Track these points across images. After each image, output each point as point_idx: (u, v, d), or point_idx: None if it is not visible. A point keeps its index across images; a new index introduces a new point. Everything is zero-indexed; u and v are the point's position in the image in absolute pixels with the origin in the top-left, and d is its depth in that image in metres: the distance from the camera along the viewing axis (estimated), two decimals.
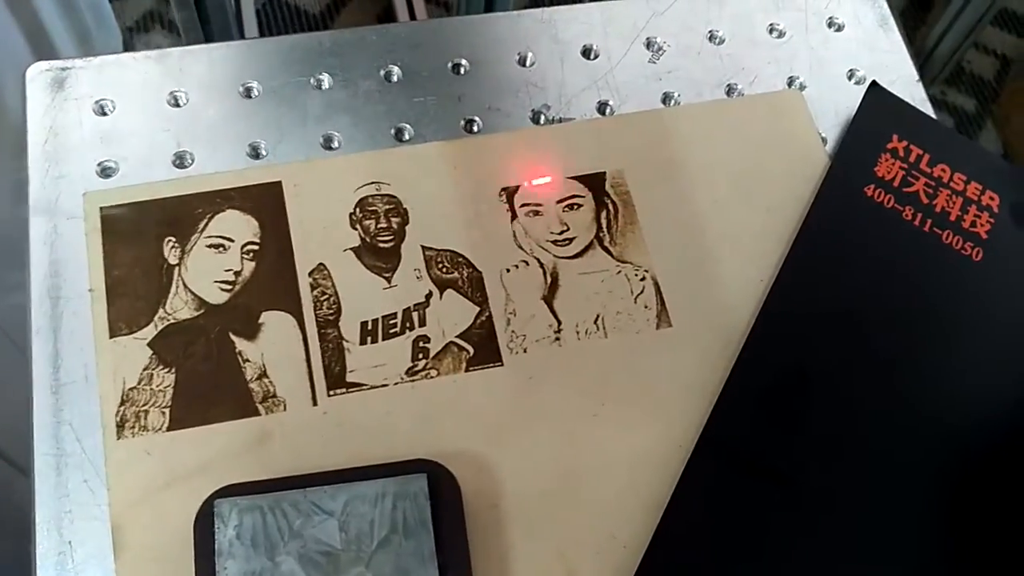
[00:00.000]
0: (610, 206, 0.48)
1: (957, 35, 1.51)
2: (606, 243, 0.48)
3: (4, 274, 0.80)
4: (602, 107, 0.51)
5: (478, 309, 0.46)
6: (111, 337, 0.43)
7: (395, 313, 0.45)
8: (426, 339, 0.45)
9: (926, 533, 0.44)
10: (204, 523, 0.38)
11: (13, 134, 0.84)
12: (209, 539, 0.38)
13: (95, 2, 1.15)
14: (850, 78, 0.54)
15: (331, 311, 0.45)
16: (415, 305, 0.45)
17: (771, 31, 0.54)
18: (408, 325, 0.45)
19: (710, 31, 0.54)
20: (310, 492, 0.39)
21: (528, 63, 0.52)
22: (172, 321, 0.44)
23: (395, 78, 0.51)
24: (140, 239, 0.45)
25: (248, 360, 0.43)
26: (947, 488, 0.44)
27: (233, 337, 0.44)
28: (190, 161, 0.47)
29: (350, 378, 0.44)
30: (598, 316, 0.46)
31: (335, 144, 0.49)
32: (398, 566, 0.38)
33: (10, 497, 0.82)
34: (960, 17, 1.48)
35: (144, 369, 0.43)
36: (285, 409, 0.43)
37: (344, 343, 0.44)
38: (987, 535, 0.44)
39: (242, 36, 1.29)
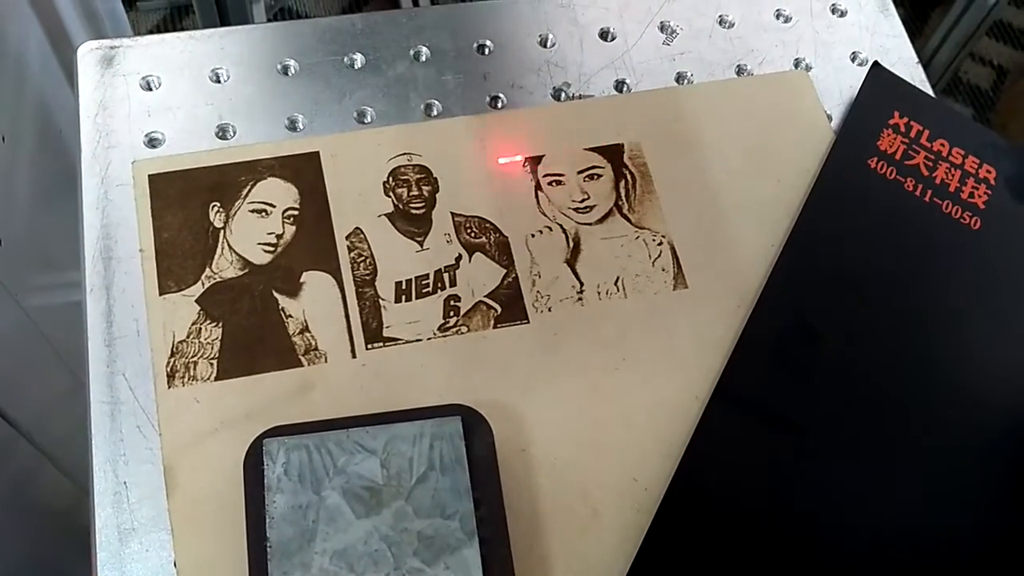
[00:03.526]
0: (628, 176, 0.51)
1: (953, 46, 1.54)
2: (625, 211, 0.51)
3: (32, 276, 0.83)
4: (619, 85, 0.54)
5: (505, 271, 0.48)
6: (161, 294, 0.46)
7: (427, 274, 0.48)
8: (456, 298, 0.47)
9: (926, 476, 0.46)
10: (254, 461, 0.41)
11: (36, 136, 0.87)
12: (259, 476, 0.41)
13: (113, 10, 1.19)
14: (853, 60, 0.57)
15: (367, 272, 0.47)
16: (446, 267, 0.48)
17: (778, 16, 0.58)
18: (440, 285, 0.48)
19: (720, 16, 0.57)
20: (353, 432, 0.41)
21: (549, 44, 0.55)
22: (218, 280, 0.46)
23: (424, 58, 0.53)
24: (186, 204, 0.48)
25: (291, 316, 0.46)
26: (946, 435, 0.47)
27: (276, 295, 0.46)
28: (232, 133, 0.50)
29: (386, 333, 0.46)
30: (618, 278, 0.49)
31: (368, 119, 0.51)
32: (436, 500, 0.40)
33: (44, 489, 0.84)
34: (956, 28, 1.51)
35: (192, 324, 0.45)
36: (326, 361, 0.45)
37: (380, 301, 0.47)
38: (990, 477, 0.46)
39: None
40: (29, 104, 0.87)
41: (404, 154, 0.50)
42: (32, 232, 0.83)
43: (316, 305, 0.46)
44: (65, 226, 0.87)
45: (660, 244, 0.50)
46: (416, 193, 0.50)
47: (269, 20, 1.54)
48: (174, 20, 1.58)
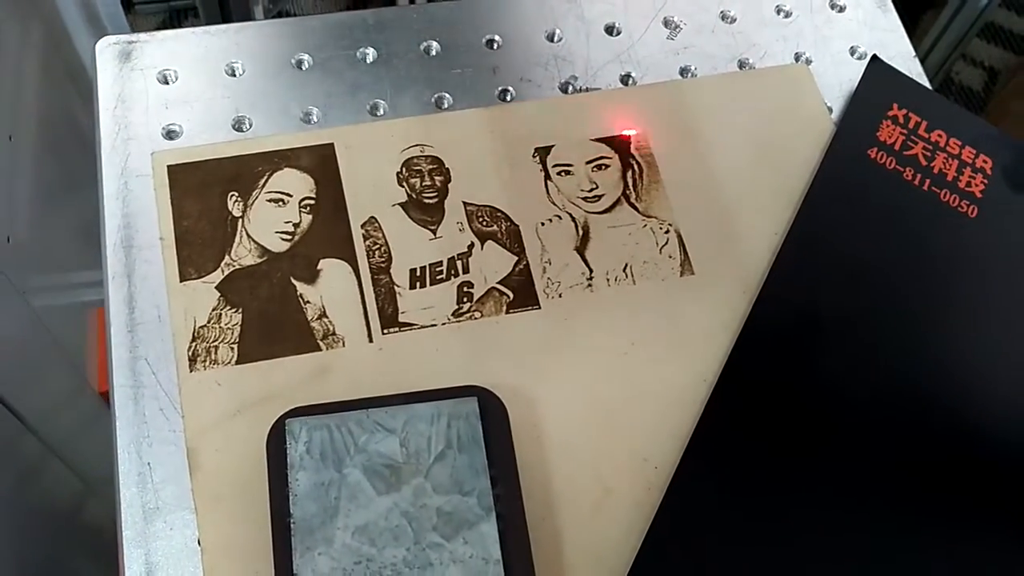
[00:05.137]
0: (635, 166, 0.53)
1: (945, 47, 1.56)
2: (632, 200, 0.52)
3: (38, 274, 0.83)
4: (625, 79, 0.55)
5: (516, 258, 0.50)
6: (181, 281, 0.47)
7: (441, 261, 0.49)
8: (469, 285, 0.49)
9: (927, 459, 0.48)
10: (276, 440, 0.42)
11: (40, 137, 0.88)
12: (281, 454, 0.42)
13: (114, 14, 1.20)
14: (852, 54, 0.58)
15: (382, 259, 0.49)
16: (459, 254, 0.49)
17: (778, 11, 0.59)
18: (453, 272, 0.49)
19: (722, 11, 0.58)
20: (372, 412, 0.43)
21: (556, 39, 0.56)
22: (237, 267, 0.48)
23: (434, 52, 0.55)
24: (205, 193, 0.49)
25: (308, 302, 0.47)
26: (945, 416, 0.48)
27: (294, 281, 0.48)
28: (248, 126, 0.51)
29: (402, 318, 0.47)
30: (626, 265, 0.50)
31: (380, 111, 0.53)
32: (453, 477, 0.42)
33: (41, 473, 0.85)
34: (948, 30, 1.52)
35: (213, 309, 0.47)
36: (344, 345, 0.46)
37: (395, 288, 0.48)
38: (989, 458, 0.48)
39: None
40: (34, 105, 0.89)
41: (416, 145, 0.52)
42: (38, 231, 0.84)
43: (333, 291, 0.48)
44: (70, 226, 0.89)
45: (667, 232, 0.51)
46: (429, 183, 0.51)
47: None
48: (172, 23, 1.59)
